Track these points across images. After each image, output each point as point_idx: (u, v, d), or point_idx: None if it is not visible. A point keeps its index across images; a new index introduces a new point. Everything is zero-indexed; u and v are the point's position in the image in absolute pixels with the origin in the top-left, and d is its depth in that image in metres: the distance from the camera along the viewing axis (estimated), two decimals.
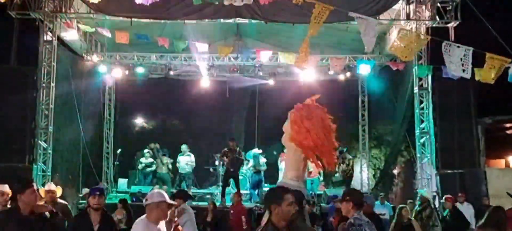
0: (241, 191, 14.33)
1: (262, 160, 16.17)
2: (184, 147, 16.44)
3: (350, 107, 19.52)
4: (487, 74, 7.44)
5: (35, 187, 5.25)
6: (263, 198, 13.15)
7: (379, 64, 16.33)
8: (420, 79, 14.52)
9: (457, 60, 7.19)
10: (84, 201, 11.74)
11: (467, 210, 12.31)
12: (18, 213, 5.06)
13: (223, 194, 14.60)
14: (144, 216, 4.76)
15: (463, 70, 7.24)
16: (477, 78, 7.68)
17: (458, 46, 7.16)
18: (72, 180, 15.32)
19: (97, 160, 17.43)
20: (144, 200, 4.84)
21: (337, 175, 17.70)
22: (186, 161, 16.14)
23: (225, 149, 14.85)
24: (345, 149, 16.08)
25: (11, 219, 5.02)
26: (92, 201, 5.72)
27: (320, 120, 5.58)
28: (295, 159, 5.09)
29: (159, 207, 4.72)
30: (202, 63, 16.54)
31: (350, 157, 15.92)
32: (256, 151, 16.27)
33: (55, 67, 13.95)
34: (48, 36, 13.80)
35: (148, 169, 16.69)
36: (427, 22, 13.65)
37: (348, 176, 16.01)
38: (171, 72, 17.25)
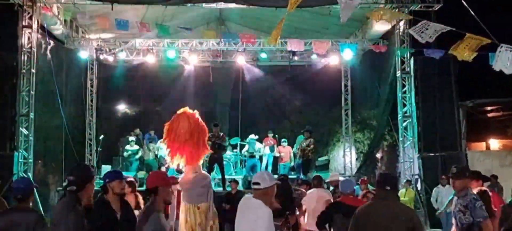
0: (225, 176, 14.38)
1: (258, 145, 16.24)
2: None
3: (334, 92, 19.62)
4: (462, 51, 7.47)
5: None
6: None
7: (362, 48, 16.37)
8: (403, 63, 14.63)
9: (431, 32, 7.22)
10: None
11: (448, 192, 12.48)
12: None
13: None
14: (259, 200, 4.50)
15: (429, 37, 7.30)
16: (450, 51, 7.70)
17: (438, 25, 7.18)
18: (55, 167, 15.22)
19: (80, 147, 17.30)
20: (256, 185, 4.54)
21: (321, 159, 17.83)
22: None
23: (209, 134, 14.77)
24: (310, 128, 15.87)
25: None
26: (118, 186, 4.99)
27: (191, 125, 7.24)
28: None
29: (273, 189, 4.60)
30: (184, 48, 16.42)
31: (312, 139, 15.59)
32: (252, 136, 16.33)
33: (35, 53, 13.75)
34: (28, 22, 13.58)
35: (135, 157, 16.55)
36: (409, 5, 13.67)
37: (305, 158, 15.28)
38: (154, 58, 17.08)
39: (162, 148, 16.04)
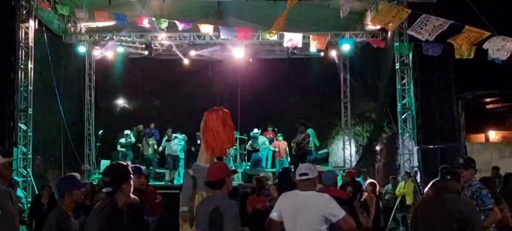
0: None
1: (261, 139, 16.24)
2: (169, 131, 16.28)
3: (333, 85, 19.62)
4: (461, 44, 7.49)
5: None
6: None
7: (360, 41, 16.33)
8: (402, 55, 14.61)
9: (430, 28, 7.23)
10: None
11: None
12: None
13: None
14: (311, 191, 4.56)
15: (429, 35, 7.30)
16: (449, 40, 7.71)
17: (437, 19, 7.18)
18: (54, 163, 15.21)
19: (79, 142, 17.26)
20: (304, 175, 4.57)
21: (320, 152, 17.84)
22: (174, 143, 16.01)
23: None
24: (304, 121, 15.75)
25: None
26: (137, 181, 4.94)
27: (222, 121, 7.27)
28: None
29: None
30: (183, 42, 16.37)
31: (308, 132, 15.55)
32: (255, 131, 16.34)
33: (33, 48, 13.71)
34: (25, 17, 13.54)
35: (128, 149, 16.47)
36: None
37: (301, 151, 14.93)
38: (152, 52, 17.03)
39: (166, 145, 16.05)
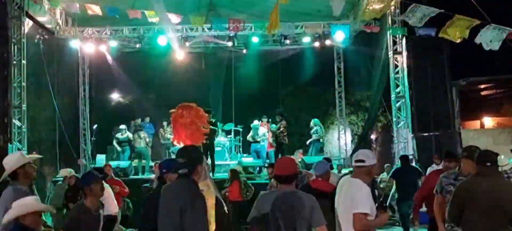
0: (220, 162, 14.34)
1: (262, 130, 16.21)
2: (165, 124, 16.21)
3: (326, 74, 19.58)
4: (453, 33, 7.51)
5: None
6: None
7: (354, 29, 16.31)
8: (395, 43, 14.59)
9: (420, 16, 7.26)
10: (61, 178, 11.65)
11: None
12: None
13: None
14: (357, 179, 4.45)
15: (419, 22, 7.34)
16: (441, 35, 7.74)
17: (427, 8, 7.18)
18: (50, 158, 15.19)
19: (74, 137, 17.25)
20: (360, 162, 4.47)
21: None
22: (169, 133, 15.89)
23: None
24: (282, 111, 15.61)
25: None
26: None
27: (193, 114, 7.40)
28: None
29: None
30: (175, 35, 16.32)
31: (284, 122, 15.55)
32: (255, 122, 16.33)
33: (25, 44, 13.66)
34: (16, 12, 13.47)
35: (126, 145, 16.42)
36: None
37: (278, 142, 15.05)
38: (145, 45, 16.96)
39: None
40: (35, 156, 5.83)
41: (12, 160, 4.72)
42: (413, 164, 14.17)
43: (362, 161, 4.45)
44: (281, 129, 15.01)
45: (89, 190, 4.76)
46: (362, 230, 4.33)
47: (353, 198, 4.33)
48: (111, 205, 8.19)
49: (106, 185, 8.34)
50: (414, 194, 7.88)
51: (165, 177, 4.80)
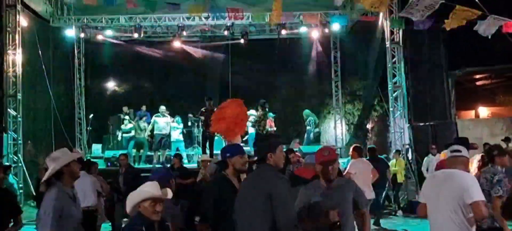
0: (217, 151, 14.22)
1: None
2: (162, 108, 16.02)
3: (323, 64, 19.56)
4: (453, 22, 7.52)
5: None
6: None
7: (351, 19, 16.28)
8: (392, 33, 14.58)
9: (422, 8, 7.24)
10: None
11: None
12: None
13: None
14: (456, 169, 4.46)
15: (421, 14, 7.34)
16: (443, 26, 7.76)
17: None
18: (45, 148, 15.11)
19: (70, 126, 17.17)
20: (457, 152, 4.51)
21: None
22: (165, 121, 15.75)
23: (202, 109, 14.46)
24: (263, 102, 15.48)
25: None
26: (239, 161, 4.66)
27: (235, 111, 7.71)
28: None
29: None
30: (172, 23, 16.24)
31: (305, 113, 15.52)
32: (252, 111, 16.30)
33: (20, 33, 13.56)
34: (11, 1, 13.36)
35: (129, 135, 16.32)
36: None
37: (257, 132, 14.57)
38: (141, 34, 16.85)
39: (157, 122, 15.74)
40: (78, 153, 5.53)
41: (57, 157, 4.32)
42: (410, 154, 14.25)
43: (459, 151, 4.51)
44: (261, 120, 14.63)
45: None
46: (485, 216, 4.36)
47: (467, 188, 4.24)
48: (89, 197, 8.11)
49: (88, 177, 8.32)
50: (382, 184, 8.04)
51: (228, 160, 4.67)
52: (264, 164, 4.02)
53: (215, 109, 13.75)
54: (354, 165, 8.92)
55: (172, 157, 12.77)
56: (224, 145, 16.04)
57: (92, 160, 11.67)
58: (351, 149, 9.56)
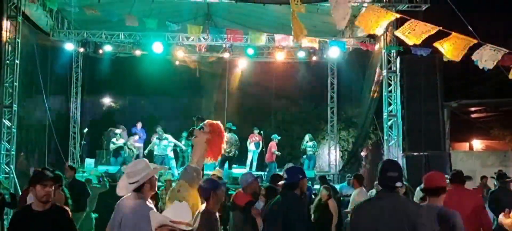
0: (209, 172, 14.18)
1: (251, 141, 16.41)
2: (160, 130, 16.05)
3: (319, 89, 19.66)
4: (450, 51, 7.56)
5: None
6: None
7: (349, 46, 16.39)
8: (389, 62, 14.68)
9: (419, 33, 7.31)
10: None
11: None
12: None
13: None
14: None
15: (417, 39, 7.41)
16: (435, 44, 7.80)
17: (426, 24, 7.24)
18: (38, 160, 15.04)
19: (64, 140, 17.10)
20: None
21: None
22: (165, 144, 15.81)
23: (194, 128, 14.43)
24: (231, 125, 15.40)
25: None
26: (305, 183, 5.58)
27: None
28: (201, 153, 6.33)
29: None
30: (171, 42, 16.31)
31: (306, 136, 15.74)
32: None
33: (19, 44, 13.58)
34: (12, 12, 13.41)
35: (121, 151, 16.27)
36: (396, 4, 13.71)
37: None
38: (139, 51, 16.89)
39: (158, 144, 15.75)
40: (160, 167, 5.50)
41: (139, 170, 4.37)
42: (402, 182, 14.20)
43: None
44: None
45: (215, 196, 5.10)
46: None
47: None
48: None
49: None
50: None
51: (300, 182, 5.29)
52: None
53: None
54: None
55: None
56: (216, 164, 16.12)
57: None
58: (353, 178, 9.68)
